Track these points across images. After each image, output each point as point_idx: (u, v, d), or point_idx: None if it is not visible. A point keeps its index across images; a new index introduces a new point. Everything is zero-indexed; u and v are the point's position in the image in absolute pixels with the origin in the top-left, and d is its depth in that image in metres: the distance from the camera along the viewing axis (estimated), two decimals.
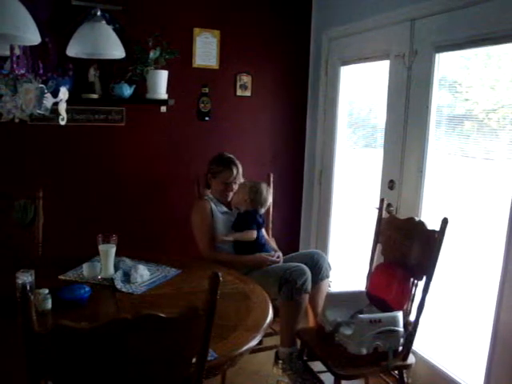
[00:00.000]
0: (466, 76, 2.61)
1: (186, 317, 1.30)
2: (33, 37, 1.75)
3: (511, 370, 2.27)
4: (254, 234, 2.84)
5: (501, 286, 2.31)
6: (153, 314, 1.23)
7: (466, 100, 2.59)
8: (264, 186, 2.93)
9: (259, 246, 2.88)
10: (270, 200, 2.98)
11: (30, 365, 1.22)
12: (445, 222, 2.21)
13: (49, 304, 1.83)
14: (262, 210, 2.94)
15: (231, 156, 2.99)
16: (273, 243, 3.10)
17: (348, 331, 2.28)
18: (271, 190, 3.05)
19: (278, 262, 2.84)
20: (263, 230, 2.99)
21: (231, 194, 2.96)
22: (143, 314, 1.23)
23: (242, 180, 2.99)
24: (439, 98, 2.71)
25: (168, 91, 3.24)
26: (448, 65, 2.68)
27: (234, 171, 2.92)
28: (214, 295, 1.32)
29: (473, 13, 2.41)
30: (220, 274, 1.33)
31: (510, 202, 2.25)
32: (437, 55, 2.68)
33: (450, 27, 2.56)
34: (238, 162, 2.98)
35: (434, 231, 2.28)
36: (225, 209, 2.96)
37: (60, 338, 1.19)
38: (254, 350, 2.71)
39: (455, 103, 2.66)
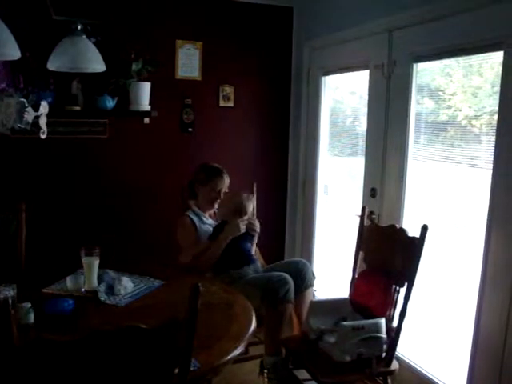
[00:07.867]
0: (449, 83, 2.66)
1: (167, 328, 1.31)
2: (12, 52, 1.77)
3: (492, 371, 2.30)
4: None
5: (480, 290, 2.35)
6: (134, 326, 1.24)
7: (449, 107, 2.63)
8: (245, 195, 2.94)
9: (245, 256, 2.86)
10: (251, 209, 2.99)
11: (9, 379, 1.22)
12: (424, 228, 2.25)
13: (31, 318, 1.82)
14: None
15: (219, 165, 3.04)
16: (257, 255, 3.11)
17: (331, 339, 2.30)
18: (253, 199, 3.06)
19: (254, 226, 2.88)
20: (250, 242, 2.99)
21: (217, 203, 2.97)
22: (124, 326, 1.24)
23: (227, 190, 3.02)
24: (421, 106, 2.75)
25: (151, 103, 3.26)
26: (430, 73, 2.74)
27: (226, 179, 2.98)
28: (194, 305, 1.33)
29: (448, 24, 2.47)
30: (200, 284, 1.34)
31: (487, 208, 2.30)
32: (415, 65, 2.73)
33: (426, 38, 2.62)
34: None
35: (414, 238, 2.31)
36: (210, 220, 2.96)
37: (41, 352, 1.19)
38: (239, 360, 2.73)
39: (438, 110, 2.70)
